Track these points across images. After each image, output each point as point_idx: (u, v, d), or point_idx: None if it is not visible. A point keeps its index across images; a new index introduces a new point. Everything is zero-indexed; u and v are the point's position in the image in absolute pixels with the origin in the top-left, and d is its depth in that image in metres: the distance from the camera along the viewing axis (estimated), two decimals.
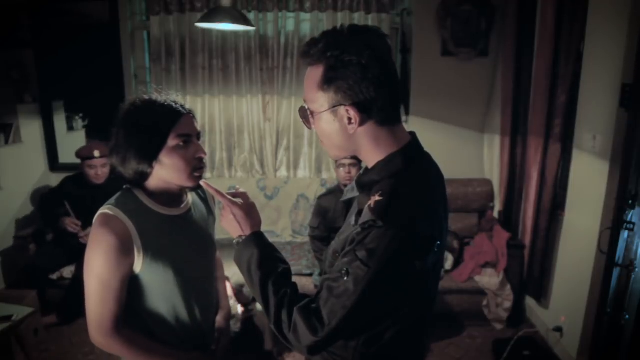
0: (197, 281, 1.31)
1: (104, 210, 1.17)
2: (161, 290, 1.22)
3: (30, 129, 3.70)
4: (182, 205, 1.30)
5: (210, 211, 1.44)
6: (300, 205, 3.70)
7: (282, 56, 3.58)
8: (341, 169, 2.58)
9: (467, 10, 3.40)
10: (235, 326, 2.31)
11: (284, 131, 3.75)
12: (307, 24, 3.55)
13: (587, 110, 2.54)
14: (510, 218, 3.35)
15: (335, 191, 2.70)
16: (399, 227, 0.86)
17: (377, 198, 0.90)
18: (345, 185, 2.37)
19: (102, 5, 3.59)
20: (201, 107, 3.70)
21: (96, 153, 3.04)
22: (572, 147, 2.72)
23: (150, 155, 1.17)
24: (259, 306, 2.61)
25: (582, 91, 2.59)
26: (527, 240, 3.06)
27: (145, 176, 1.20)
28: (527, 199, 3.06)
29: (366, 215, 0.89)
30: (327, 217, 2.64)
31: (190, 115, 1.23)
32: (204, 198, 1.43)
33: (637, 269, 2.14)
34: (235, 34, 3.51)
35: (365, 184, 0.98)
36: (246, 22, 2.59)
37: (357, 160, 2.55)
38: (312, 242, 2.74)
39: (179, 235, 1.26)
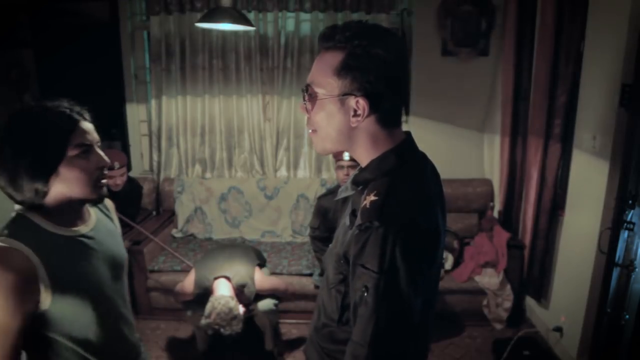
0: (111, 300, 1.18)
1: None
2: (75, 320, 1.07)
3: None
4: (87, 222, 1.15)
5: (114, 223, 1.29)
6: (300, 205, 3.70)
7: (282, 56, 3.58)
8: (340, 170, 2.58)
9: (467, 10, 3.40)
10: (237, 326, 2.31)
11: (284, 131, 3.75)
12: (307, 24, 3.55)
13: (587, 110, 2.54)
14: (510, 218, 3.35)
15: (335, 191, 2.70)
16: (397, 225, 0.85)
17: (372, 198, 0.89)
18: None
19: (102, 5, 3.60)
20: (201, 107, 3.70)
21: (116, 165, 3.04)
22: (572, 147, 2.72)
23: (46, 171, 1.02)
24: (259, 306, 2.61)
25: (582, 91, 2.59)
26: (527, 240, 3.06)
27: (41, 195, 1.04)
28: (527, 199, 3.06)
29: (362, 216, 0.89)
30: (327, 217, 2.64)
31: (88, 121, 1.10)
32: (106, 210, 1.28)
33: (637, 269, 2.14)
34: (235, 34, 3.51)
35: (359, 183, 0.98)
36: (246, 22, 2.59)
37: (356, 162, 2.54)
38: (313, 243, 2.74)
39: (88, 257, 1.12)
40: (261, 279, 2.58)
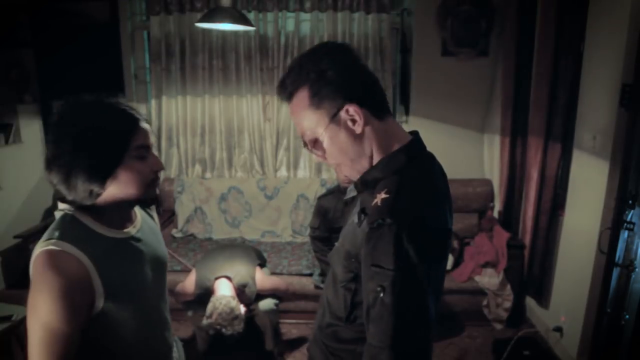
0: (156, 302, 1.17)
1: (48, 246, 0.95)
2: (123, 324, 1.05)
3: (30, 129, 3.70)
4: (134, 223, 1.13)
5: (154, 220, 1.26)
6: (300, 205, 3.70)
7: (282, 56, 3.58)
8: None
9: (467, 10, 3.40)
10: (239, 326, 2.31)
11: (284, 131, 3.75)
12: (307, 24, 3.55)
13: (587, 110, 2.55)
14: (510, 218, 3.35)
15: (335, 191, 2.70)
16: (409, 222, 0.85)
17: (383, 196, 0.89)
18: (346, 188, 2.37)
19: (102, 5, 3.60)
20: (201, 107, 3.70)
21: None
22: (572, 147, 2.72)
23: (105, 172, 0.97)
24: (260, 306, 2.61)
25: (582, 91, 2.59)
26: (527, 240, 3.06)
27: (94, 196, 0.99)
28: (527, 199, 3.06)
29: (374, 214, 0.88)
30: (328, 217, 2.64)
31: (146, 121, 1.07)
32: (147, 208, 1.26)
33: (637, 269, 2.15)
34: (235, 34, 3.51)
35: (368, 182, 0.97)
36: (246, 22, 2.59)
37: None
38: (313, 243, 2.74)
39: (137, 260, 1.10)
40: (262, 278, 2.58)
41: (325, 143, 0.95)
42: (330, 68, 0.91)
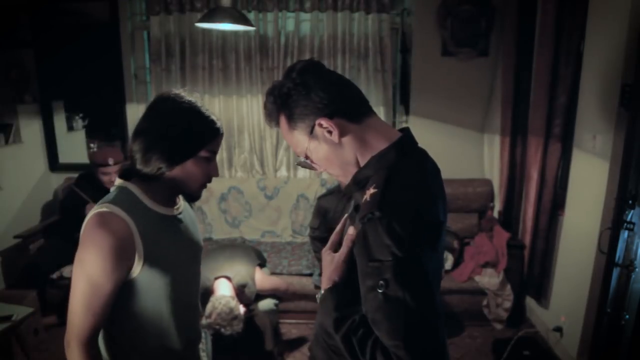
0: (188, 284, 1.26)
1: (100, 209, 1.07)
2: (155, 294, 1.14)
3: (30, 129, 3.70)
4: (178, 206, 1.25)
5: (194, 211, 1.39)
6: (300, 205, 3.70)
7: (282, 56, 3.58)
8: None
9: (467, 10, 3.40)
10: (238, 326, 2.31)
11: None
12: (307, 24, 3.55)
13: (587, 110, 2.55)
14: (510, 218, 3.35)
15: (335, 191, 2.70)
16: (398, 212, 0.84)
17: (372, 191, 0.89)
18: None
19: (102, 5, 3.60)
20: None
21: (110, 161, 3.04)
22: (572, 147, 2.72)
23: (177, 159, 1.12)
24: (260, 306, 2.61)
25: (582, 91, 2.59)
26: (527, 240, 3.06)
27: (158, 174, 1.13)
28: (527, 199, 3.06)
29: (363, 209, 0.89)
30: (327, 217, 2.64)
31: (222, 135, 1.23)
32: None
33: (637, 269, 2.14)
34: (235, 34, 3.51)
35: (360, 181, 0.98)
36: (246, 22, 2.59)
37: None
38: (313, 243, 2.74)
39: (176, 237, 1.21)
40: (262, 278, 2.58)
41: (314, 157, 1.00)
42: (292, 91, 0.96)
